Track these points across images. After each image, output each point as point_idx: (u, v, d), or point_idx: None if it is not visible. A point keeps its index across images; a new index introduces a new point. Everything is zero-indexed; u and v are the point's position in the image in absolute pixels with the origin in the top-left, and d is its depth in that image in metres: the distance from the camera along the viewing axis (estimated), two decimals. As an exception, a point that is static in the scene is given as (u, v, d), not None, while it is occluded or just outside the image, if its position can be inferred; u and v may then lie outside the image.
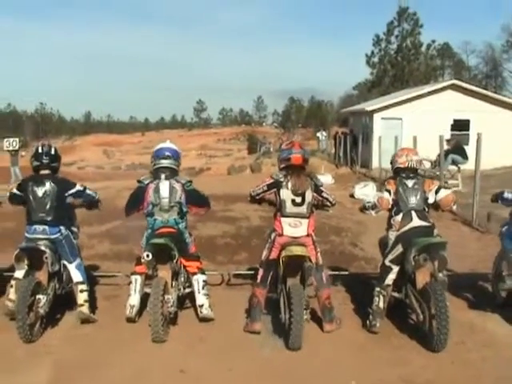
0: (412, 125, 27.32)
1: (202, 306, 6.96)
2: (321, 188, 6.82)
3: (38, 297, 6.47)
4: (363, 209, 7.42)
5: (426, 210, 6.79)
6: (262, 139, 58.61)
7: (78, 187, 7.15)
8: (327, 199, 6.89)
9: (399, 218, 6.70)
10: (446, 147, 20.43)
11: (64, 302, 7.18)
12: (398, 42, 59.91)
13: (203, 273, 7.18)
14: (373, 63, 61.03)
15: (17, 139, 22.92)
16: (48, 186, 6.85)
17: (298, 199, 6.59)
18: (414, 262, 6.38)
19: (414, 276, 6.49)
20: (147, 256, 6.44)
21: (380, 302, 6.65)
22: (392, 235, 6.79)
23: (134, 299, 6.90)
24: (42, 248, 6.62)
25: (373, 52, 60.96)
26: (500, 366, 5.80)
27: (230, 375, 5.63)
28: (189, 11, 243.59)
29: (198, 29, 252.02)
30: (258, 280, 6.80)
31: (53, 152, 7.10)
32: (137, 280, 6.97)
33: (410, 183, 6.77)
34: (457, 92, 30.49)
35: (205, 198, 7.44)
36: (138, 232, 8.24)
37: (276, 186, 6.69)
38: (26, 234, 6.87)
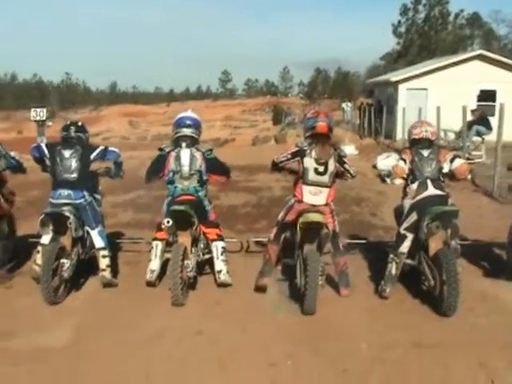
0: (437, 96, 27.09)
1: (220, 271, 7.16)
2: (344, 159, 6.92)
3: (62, 261, 6.74)
4: (381, 177, 7.56)
5: (442, 179, 6.90)
6: (287, 110, 58.42)
7: (100, 147, 7.39)
8: (348, 171, 6.97)
9: (415, 186, 6.82)
10: (470, 118, 20.32)
11: (87, 267, 7.45)
12: (426, 12, 59.26)
13: (222, 239, 7.38)
14: (400, 33, 60.51)
15: (44, 109, 22.53)
16: (74, 148, 7.16)
17: (321, 168, 6.71)
18: (426, 230, 6.48)
19: (427, 243, 6.60)
20: (167, 222, 6.66)
21: (393, 269, 6.80)
22: (407, 203, 6.90)
23: (155, 264, 7.14)
24: (67, 214, 6.84)
25: (400, 21, 60.48)
26: (508, 331, 5.92)
27: (245, 337, 5.83)
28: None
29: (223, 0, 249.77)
30: (272, 237, 7.06)
31: (80, 124, 7.50)
32: (157, 246, 7.22)
33: (425, 153, 6.88)
34: (484, 62, 30.13)
35: (225, 167, 7.61)
36: (160, 201, 8.39)
37: (300, 154, 6.79)
38: (51, 200, 7.12)
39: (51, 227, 6.87)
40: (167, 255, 7.03)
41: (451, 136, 23.29)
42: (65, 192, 7.06)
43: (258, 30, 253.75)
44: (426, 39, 58.55)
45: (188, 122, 7.34)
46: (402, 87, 30.79)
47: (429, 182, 6.76)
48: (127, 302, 6.79)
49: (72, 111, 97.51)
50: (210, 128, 12.51)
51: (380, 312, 6.51)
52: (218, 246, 7.27)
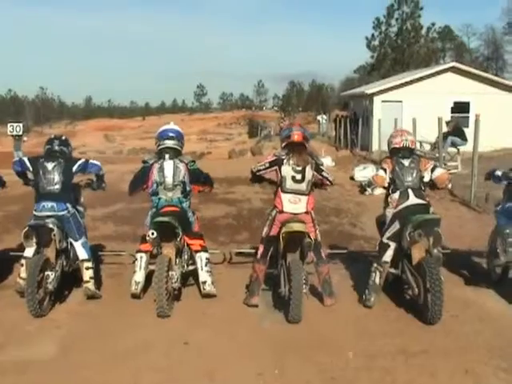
0: (412, 107, 27.38)
1: (205, 282, 7.19)
2: (321, 167, 7.05)
3: (46, 273, 6.70)
4: (361, 187, 7.65)
5: (423, 188, 6.98)
6: (262, 123, 58.66)
7: (82, 160, 7.43)
8: (327, 178, 7.08)
9: (396, 195, 6.88)
10: (445, 129, 20.55)
11: (71, 279, 7.43)
12: (399, 25, 59.89)
13: (206, 250, 7.42)
14: (373, 46, 61.06)
15: (20, 124, 22.69)
16: (57, 161, 7.19)
17: (298, 176, 6.80)
18: (409, 238, 6.56)
19: (409, 252, 6.66)
20: (152, 234, 6.67)
21: (376, 278, 6.85)
22: (389, 213, 6.97)
23: (139, 276, 7.13)
24: (50, 225, 6.82)
25: (373, 35, 61.04)
26: (492, 338, 6.00)
27: (232, 346, 5.83)
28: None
29: (198, 13, 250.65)
30: (258, 256, 7.05)
31: (63, 138, 7.59)
32: (142, 257, 7.20)
33: (406, 162, 6.94)
34: (457, 74, 30.61)
35: (208, 177, 7.67)
36: (141, 214, 8.45)
37: (278, 163, 6.88)
38: (35, 212, 7.09)
39: (35, 239, 6.86)
40: (151, 267, 7.02)
41: (427, 147, 23.53)
42: (48, 204, 7.04)
43: (232, 44, 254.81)
44: (399, 52, 59.19)
45: (171, 134, 7.40)
46: (377, 99, 31.10)
47: (410, 191, 6.82)
48: (112, 313, 6.76)
49: (47, 126, 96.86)
50: (186, 142, 12.64)
51: (365, 321, 6.55)
52: (202, 257, 7.30)
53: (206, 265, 7.28)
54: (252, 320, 6.53)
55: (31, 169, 7.25)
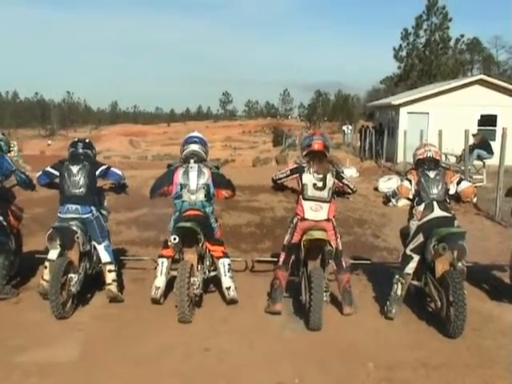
0: (438, 119, 27.26)
1: (229, 288, 7.24)
2: (342, 174, 7.13)
3: (69, 276, 6.83)
4: (385, 198, 7.59)
5: (448, 201, 6.93)
6: (287, 132, 58.68)
7: (104, 166, 7.54)
8: (348, 186, 7.13)
9: (421, 208, 6.84)
10: (471, 142, 20.41)
11: (94, 282, 7.52)
12: (427, 36, 59.44)
13: (228, 257, 7.46)
14: (400, 57, 60.71)
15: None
16: (82, 164, 7.30)
17: (320, 183, 6.87)
18: (433, 251, 6.53)
19: (433, 264, 6.66)
20: (174, 239, 6.71)
21: (398, 290, 6.83)
22: (413, 225, 6.93)
23: (160, 281, 7.18)
24: (74, 228, 6.96)
25: (401, 46, 60.65)
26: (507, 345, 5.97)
27: (252, 354, 5.85)
28: (216, 1, 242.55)
29: (225, 20, 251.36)
30: (280, 263, 7.08)
31: (87, 141, 7.71)
32: (163, 263, 7.27)
33: (431, 174, 6.93)
34: (484, 87, 30.32)
35: (231, 183, 7.72)
36: (164, 219, 8.53)
37: (299, 171, 6.96)
38: (59, 215, 7.22)
39: (59, 242, 7.00)
40: (173, 272, 7.08)
41: (452, 160, 23.38)
42: (72, 207, 7.16)
43: (259, 52, 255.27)
44: (427, 63, 58.81)
45: (196, 140, 7.58)
46: (403, 111, 30.97)
47: (435, 203, 6.78)
48: (134, 317, 6.83)
49: (72, 130, 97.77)
50: (210, 148, 12.82)
51: (386, 332, 6.52)
52: (224, 263, 7.33)
53: (228, 271, 7.32)
54: (273, 328, 6.54)
55: (57, 174, 7.37)
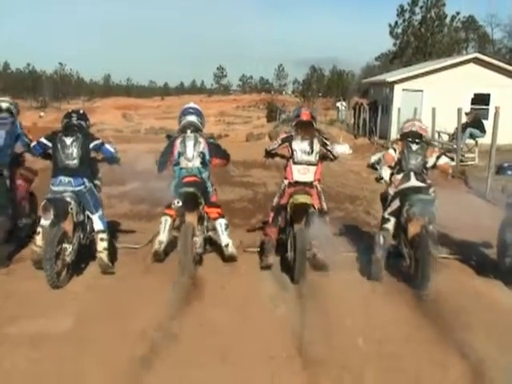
0: (432, 97, 27.22)
1: (227, 245, 7.88)
2: (326, 142, 8.04)
3: (64, 246, 6.97)
4: (370, 166, 8.36)
5: (425, 172, 7.68)
6: (281, 107, 58.48)
7: (98, 141, 7.68)
8: (331, 152, 8.07)
9: (399, 176, 7.64)
10: (464, 120, 20.47)
11: (87, 254, 7.67)
12: (423, 13, 59.29)
13: (223, 217, 8.03)
14: (396, 34, 60.60)
15: None
16: (75, 136, 7.43)
17: (308, 148, 7.79)
18: (406, 215, 7.32)
19: (406, 227, 7.34)
20: (178, 203, 7.37)
21: (381, 239, 7.46)
22: (391, 191, 7.70)
23: (163, 236, 7.76)
24: (68, 199, 7.12)
25: (396, 22, 60.53)
26: (499, 328, 6.06)
27: (246, 327, 5.94)
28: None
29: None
30: (270, 221, 7.94)
31: (81, 112, 7.88)
32: (167, 220, 7.83)
33: (414, 147, 7.70)
34: (479, 66, 30.27)
35: (226, 152, 8.31)
36: (156, 193, 8.64)
37: (288, 139, 7.89)
38: (52, 187, 7.33)
39: (52, 212, 7.11)
40: (174, 233, 7.85)
41: (445, 138, 23.46)
42: (65, 179, 7.29)
43: (254, 26, 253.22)
44: (422, 41, 58.65)
45: (192, 111, 8.18)
46: (397, 88, 30.92)
47: (412, 174, 7.56)
48: (127, 289, 6.90)
49: (64, 102, 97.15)
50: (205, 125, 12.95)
51: (374, 304, 6.67)
52: (221, 223, 7.94)
53: (225, 229, 7.94)
54: (268, 302, 6.64)
55: (50, 145, 7.49)
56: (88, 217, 7.49)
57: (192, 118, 8.07)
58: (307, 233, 7.25)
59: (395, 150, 7.78)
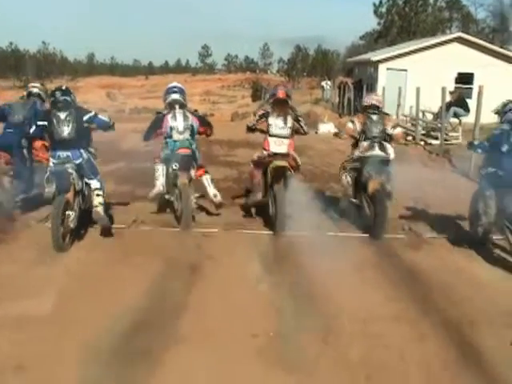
0: (417, 76, 27.25)
1: (215, 195, 9.16)
2: (299, 118, 9.27)
3: (67, 213, 7.71)
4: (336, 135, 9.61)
5: (387, 139, 9.02)
6: (266, 86, 58.27)
7: (91, 113, 8.32)
8: (302, 127, 9.28)
9: (365, 143, 8.97)
10: (448, 99, 20.53)
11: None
12: (407, -8, 59.10)
13: (208, 173, 9.31)
14: (380, 13, 60.45)
15: None
16: (68, 111, 8.02)
17: (282, 124, 8.99)
18: (367, 175, 8.69)
19: (366, 185, 8.68)
20: (175, 166, 8.67)
21: (348, 178, 9.15)
22: (356, 154, 9.10)
23: (162, 180, 8.92)
24: (69, 170, 7.84)
25: (381, 1, 60.33)
26: (481, 303, 6.19)
27: (228, 307, 5.98)
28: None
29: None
30: (253, 166, 9.26)
31: (63, 88, 8.45)
32: (163, 168, 8.97)
33: (374, 118, 9.08)
34: (462, 45, 30.40)
35: (210, 123, 9.74)
36: (141, 173, 8.77)
37: (265, 115, 9.06)
38: (52, 160, 7.95)
39: (55, 183, 7.79)
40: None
41: (429, 117, 23.53)
42: (63, 154, 7.89)
43: (239, 5, 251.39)
44: (406, 20, 58.56)
45: (175, 90, 9.25)
46: (382, 67, 30.97)
47: (376, 144, 8.90)
48: (110, 273, 6.87)
49: (48, 81, 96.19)
50: (188, 102, 12.89)
51: (360, 281, 6.75)
52: (207, 178, 9.22)
53: (211, 182, 9.23)
54: (249, 282, 6.68)
55: (46, 123, 8.06)
56: (86, 183, 8.17)
57: (176, 96, 9.11)
58: (285, 191, 8.56)
59: (353, 122, 9.23)
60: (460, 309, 5.99)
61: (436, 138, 20.61)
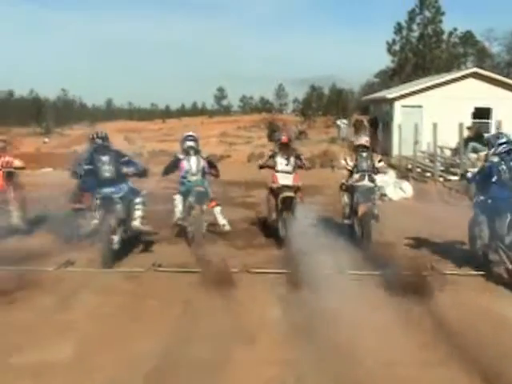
0: (433, 113, 27.23)
1: (224, 224, 10.81)
2: (300, 156, 11.49)
3: (112, 237, 9.06)
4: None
5: (375, 172, 11.09)
6: (282, 126, 58.48)
7: (127, 157, 9.99)
8: (304, 164, 11.46)
9: (357, 176, 10.93)
10: (466, 135, 20.42)
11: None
12: (420, 30, 59.44)
13: (219, 205, 10.99)
14: (394, 51, 60.71)
15: None
16: (109, 155, 9.67)
17: (286, 162, 11.13)
18: (357, 200, 10.67)
19: (356, 209, 10.66)
20: (191, 200, 10.23)
21: (345, 198, 11.15)
22: (349, 183, 11.06)
23: (181, 207, 10.51)
24: (115, 199, 9.32)
25: (394, 40, 60.64)
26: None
27: (240, 336, 5.82)
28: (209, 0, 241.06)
29: (218, 15, 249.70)
30: (268, 192, 11.30)
31: (104, 134, 10.07)
32: (180, 197, 10.58)
33: (364, 154, 11.16)
34: (478, 80, 30.38)
35: (216, 165, 11.54)
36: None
37: (273, 155, 11.30)
38: (98, 195, 9.33)
39: (103, 210, 9.23)
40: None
41: (447, 152, 23.41)
42: (108, 190, 9.37)
43: (253, 47, 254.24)
44: (421, 57, 58.75)
45: (191, 138, 11.12)
46: (397, 104, 30.96)
47: (366, 175, 10.90)
48: (129, 317, 6.79)
49: (67, 127, 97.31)
50: (205, 144, 13.02)
51: (383, 323, 6.51)
52: (217, 210, 10.87)
53: (220, 213, 10.86)
54: (271, 325, 6.59)
55: (91, 166, 9.57)
56: (128, 215, 9.58)
57: (191, 144, 10.97)
58: (293, 217, 10.51)
59: (345, 160, 11.32)
60: (489, 352, 5.78)
61: (455, 174, 20.45)
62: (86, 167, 9.60)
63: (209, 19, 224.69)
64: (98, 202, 9.29)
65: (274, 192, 10.97)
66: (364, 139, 11.62)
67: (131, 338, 6.14)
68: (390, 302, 7.27)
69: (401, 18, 62.15)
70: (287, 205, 10.66)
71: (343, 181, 11.43)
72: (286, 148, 11.24)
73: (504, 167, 8.50)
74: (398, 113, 30.48)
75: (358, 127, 35.75)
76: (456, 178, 19.77)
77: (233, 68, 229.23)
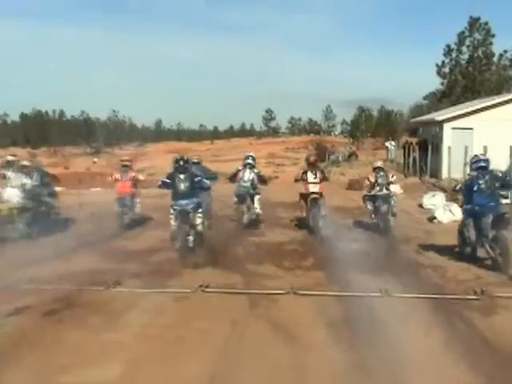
0: (483, 135, 26.87)
1: (256, 208, 15.50)
2: (324, 171, 15.77)
3: (188, 237, 11.66)
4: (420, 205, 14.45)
5: (389, 185, 15.05)
6: (330, 148, 58.46)
7: (199, 177, 12.23)
8: (326, 177, 15.63)
9: (378, 188, 14.80)
10: (517, 158, 20.11)
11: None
12: (470, 52, 58.78)
13: (259, 194, 15.75)
14: (443, 73, 60.10)
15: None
16: (186, 174, 12.05)
17: (314, 176, 14.72)
18: (378, 204, 14.61)
19: (379, 211, 14.65)
20: (235, 199, 15.26)
21: (369, 205, 15.09)
22: (372, 193, 14.91)
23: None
24: (189, 210, 11.77)
25: (443, 62, 60.02)
26: None
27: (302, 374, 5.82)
28: (255, 19, 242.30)
29: (266, 36, 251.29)
30: (300, 197, 15.02)
31: (185, 158, 12.51)
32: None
33: (381, 173, 15.12)
34: (529, 102, 29.89)
35: (265, 179, 16.38)
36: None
37: (305, 172, 14.84)
38: (174, 206, 11.74)
39: (180, 218, 11.63)
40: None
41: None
42: (182, 202, 11.78)
43: (301, 68, 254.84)
44: (470, 79, 58.07)
45: (250, 156, 15.75)
46: (447, 126, 30.66)
47: (384, 187, 14.80)
48: (176, 337, 6.79)
49: (117, 147, 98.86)
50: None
51: (436, 351, 6.40)
52: (257, 197, 15.46)
53: (258, 200, 15.49)
54: (320, 349, 6.48)
55: (170, 181, 11.96)
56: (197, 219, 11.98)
57: (249, 161, 15.56)
58: (319, 211, 14.22)
59: (368, 178, 15.22)
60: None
61: (506, 197, 20.11)
62: (167, 181, 12.02)
63: (257, 39, 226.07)
64: (176, 212, 11.66)
65: (304, 196, 14.72)
66: (379, 163, 16.31)
67: (179, 359, 6.14)
68: (442, 325, 7.16)
69: (450, 40, 61.73)
70: (315, 203, 14.40)
71: (365, 192, 15.29)
72: (313, 166, 15.10)
73: (480, 181, 10.91)
74: (448, 135, 30.16)
75: (406, 149, 35.51)
76: (507, 201, 19.44)
77: (281, 89, 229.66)
